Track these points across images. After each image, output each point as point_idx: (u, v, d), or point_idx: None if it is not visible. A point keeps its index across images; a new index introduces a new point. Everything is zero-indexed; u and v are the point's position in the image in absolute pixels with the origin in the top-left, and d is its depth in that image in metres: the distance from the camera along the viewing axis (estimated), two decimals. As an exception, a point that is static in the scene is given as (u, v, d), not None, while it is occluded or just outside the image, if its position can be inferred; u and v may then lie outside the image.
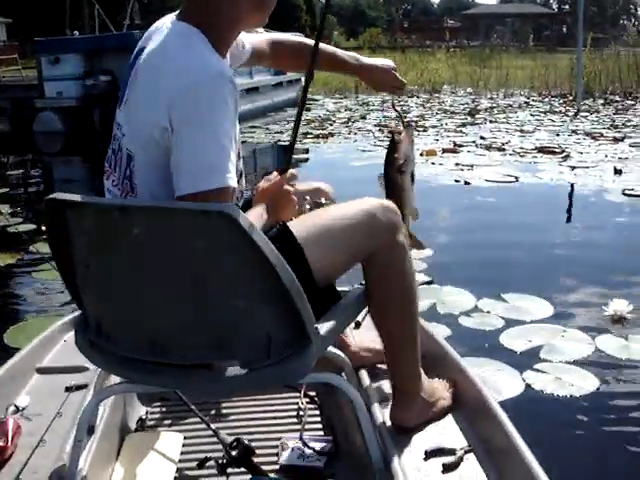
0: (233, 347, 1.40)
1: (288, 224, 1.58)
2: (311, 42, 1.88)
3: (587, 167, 6.42)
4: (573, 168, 6.39)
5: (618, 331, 2.91)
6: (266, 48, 1.92)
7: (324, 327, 1.47)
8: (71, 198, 1.39)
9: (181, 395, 1.89)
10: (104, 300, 1.51)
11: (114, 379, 1.81)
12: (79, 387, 1.95)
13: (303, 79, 1.98)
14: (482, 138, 8.42)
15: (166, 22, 1.47)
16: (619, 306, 3.05)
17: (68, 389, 1.94)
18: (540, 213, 5.00)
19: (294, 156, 1.61)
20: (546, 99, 14.06)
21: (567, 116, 10.89)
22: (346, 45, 45.78)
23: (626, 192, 5.41)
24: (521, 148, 7.55)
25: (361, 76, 2.02)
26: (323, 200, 1.84)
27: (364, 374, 1.99)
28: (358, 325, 2.29)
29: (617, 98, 14.06)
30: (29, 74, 14.14)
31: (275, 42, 1.95)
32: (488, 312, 3.12)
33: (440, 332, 2.86)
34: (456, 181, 5.93)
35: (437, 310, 3.16)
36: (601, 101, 13.47)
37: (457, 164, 6.64)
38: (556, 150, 7.35)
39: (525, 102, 13.50)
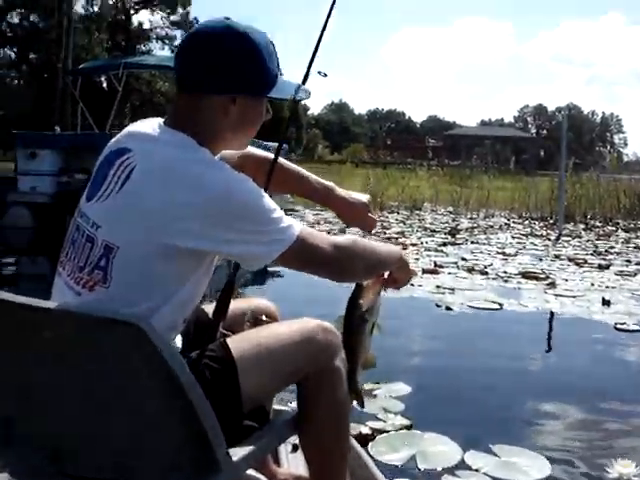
0: (135, 466, 1.36)
1: (228, 340, 1.59)
2: (282, 160, 1.92)
3: (574, 296, 6.11)
4: (559, 296, 6.08)
5: (627, 500, 2.51)
6: (234, 158, 1.88)
7: (240, 452, 1.43)
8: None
9: None
10: (10, 401, 1.49)
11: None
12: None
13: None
14: (463, 259, 8.16)
15: (154, 127, 1.53)
16: (624, 468, 2.65)
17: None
18: (528, 347, 4.63)
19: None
20: (526, 221, 14.02)
21: (549, 240, 10.74)
22: (330, 158, 46.71)
23: (618, 327, 5.08)
24: (504, 272, 7.28)
25: (331, 208, 2.00)
26: (264, 317, 1.84)
27: None
28: (296, 448, 2.19)
29: (597, 223, 14.05)
30: (9, 166, 13.91)
31: (244, 154, 1.92)
32: (477, 470, 2.67)
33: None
34: (437, 306, 5.58)
35: (417, 464, 2.71)
36: (582, 226, 13.43)
37: (438, 286, 6.32)
38: (540, 276, 7.07)
39: (506, 224, 13.41)
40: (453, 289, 6.23)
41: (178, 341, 1.64)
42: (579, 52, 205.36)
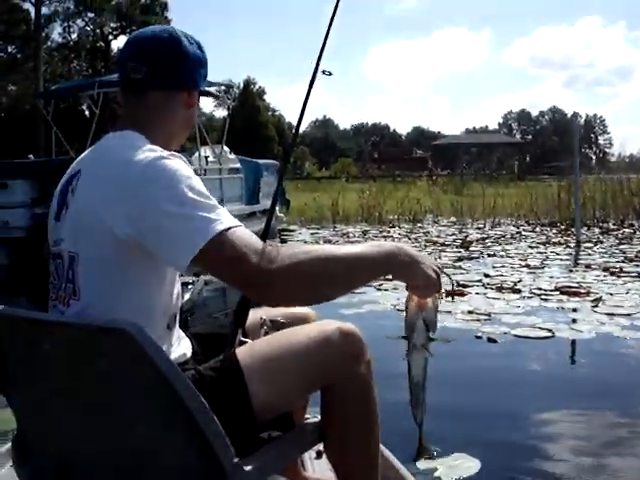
0: (142, 476, 1.35)
1: (237, 350, 1.54)
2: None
3: (628, 314, 5.24)
4: (612, 316, 5.20)
5: None
6: None
7: (254, 461, 1.40)
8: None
9: None
10: (24, 416, 1.51)
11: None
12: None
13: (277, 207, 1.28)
14: (487, 276, 7.28)
15: (108, 136, 1.55)
16: None
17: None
18: (605, 386, 3.73)
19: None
20: (537, 228, 13.17)
21: (569, 247, 9.91)
22: (319, 175, 45.85)
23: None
24: (538, 289, 6.40)
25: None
26: (280, 320, 1.74)
27: None
28: (320, 455, 2.12)
29: (612, 226, 13.22)
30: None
31: None
32: None
33: None
34: (477, 337, 4.68)
35: None
36: (597, 230, 12.61)
37: (470, 312, 5.43)
38: (581, 291, 6.20)
39: (517, 232, 12.55)
40: (489, 314, 5.33)
41: (187, 349, 1.63)
42: (557, 55, 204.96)
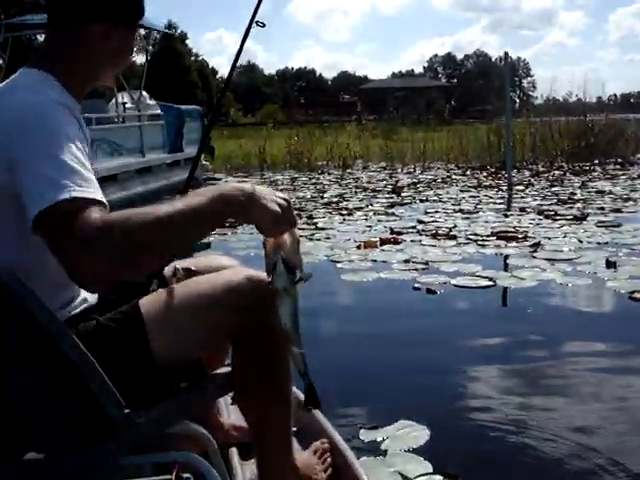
0: (30, 430, 1.33)
1: (140, 301, 1.48)
2: None
3: (569, 259, 5.06)
4: (553, 262, 5.01)
5: None
6: None
7: (151, 413, 1.38)
8: None
9: None
10: None
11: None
12: None
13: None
14: (421, 222, 7.03)
15: (16, 74, 1.46)
16: None
17: None
18: (553, 341, 3.48)
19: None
20: (467, 172, 13.02)
21: (501, 191, 9.76)
22: (245, 121, 45.02)
23: (636, 296, 4.05)
24: (475, 234, 6.17)
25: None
26: (193, 268, 1.70)
27: (234, 453, 1.96)
28: (235, 400, 1.96)
29: (541, 168, 13.19)
30: None
31: None
32: None
33: None
34: (415, 289, 4.41)
35: None
36: (527, 172, 12.55)
37: (406, 261, 5.15)
38: (518, 236, 6.01)
39: (447, 176, 12.38)
40: (426, 263, 5.06)
41: (91, 297, 1.55)
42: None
